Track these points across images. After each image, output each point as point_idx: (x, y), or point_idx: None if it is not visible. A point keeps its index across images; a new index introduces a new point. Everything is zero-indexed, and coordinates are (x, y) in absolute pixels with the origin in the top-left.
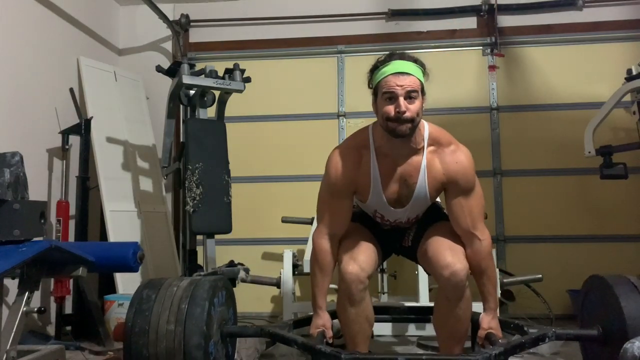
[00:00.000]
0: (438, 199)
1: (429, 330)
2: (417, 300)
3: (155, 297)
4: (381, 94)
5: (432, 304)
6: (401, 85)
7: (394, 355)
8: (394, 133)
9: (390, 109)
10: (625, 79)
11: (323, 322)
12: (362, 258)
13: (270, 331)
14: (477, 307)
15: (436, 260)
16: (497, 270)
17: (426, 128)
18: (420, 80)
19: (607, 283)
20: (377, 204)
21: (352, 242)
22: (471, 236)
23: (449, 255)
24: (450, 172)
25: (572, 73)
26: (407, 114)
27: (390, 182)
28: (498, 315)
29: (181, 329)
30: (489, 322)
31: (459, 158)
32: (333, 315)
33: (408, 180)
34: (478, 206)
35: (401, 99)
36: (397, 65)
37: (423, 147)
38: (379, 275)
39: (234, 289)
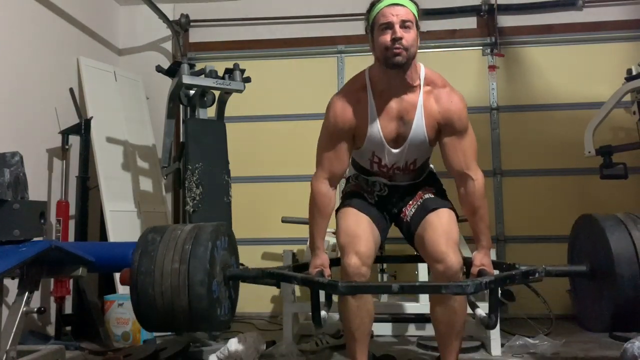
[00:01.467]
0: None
1: (429, 330)
2: (417, 301)
3: (160, 239)
4: (377, 27)
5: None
6: (396, 14)
7: (388, 283)
8: (390, 62)
9: (387, 37)
10: (625, 78)
11: (322, 261)
12: (363, 249)
13: (272, 272)
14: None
15: (431, 251)
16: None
17: (422, 69)
18: (414, 13)
19: (595, 220)
20: (374, 143)
21: (352, 231)
22: (465, 176)
23: (444, 247)
24: (445, 111)
25: (572, 73)
26: (403, 42)
27: (387, 119)
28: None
29: (185, 267)
30: (481, 259)
31: (454, 99)
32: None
33: (405, 117)
34: (471, 147)
35: (397, 27)
36: None
37: (419, 85)
38: (379, 275)
39: None
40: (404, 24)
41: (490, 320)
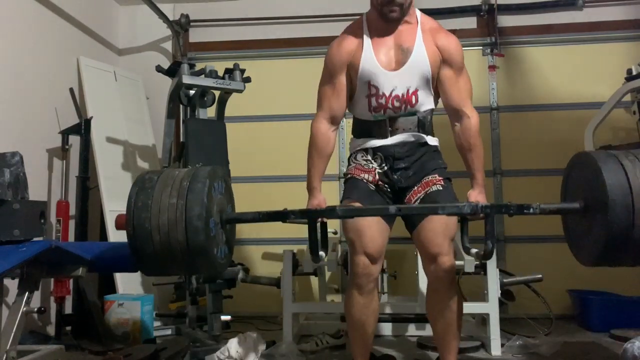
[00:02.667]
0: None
1: (429, 330)
2: (417, 301)
3: (157, 178)
4: None
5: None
6: None
7: (386, 206)
8: (385, 17)
9: None
10: (626, 78)
11: (318, 201)
12: (370, 248)
13: (267, 213)
14: (477, 307)
15: (425, 249)
16: (497, 270)
17: (418, 12)
18: None
19: (590, 157)
20: (368, 70)
21: (359, 226)
22: (460, 112)
23: (438, 246)
24: (445, 47)
25: (572, 73)
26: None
27: (383, 47)
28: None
29: (183, 202)
30: (476, 197)
31: (451, 38)
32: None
33: (403, 46)
34: (467, 86)
35: None
36: None
37: (417, 22)
38: (379, 275)
39: (233, 288)
40: None
41: (486, 247)
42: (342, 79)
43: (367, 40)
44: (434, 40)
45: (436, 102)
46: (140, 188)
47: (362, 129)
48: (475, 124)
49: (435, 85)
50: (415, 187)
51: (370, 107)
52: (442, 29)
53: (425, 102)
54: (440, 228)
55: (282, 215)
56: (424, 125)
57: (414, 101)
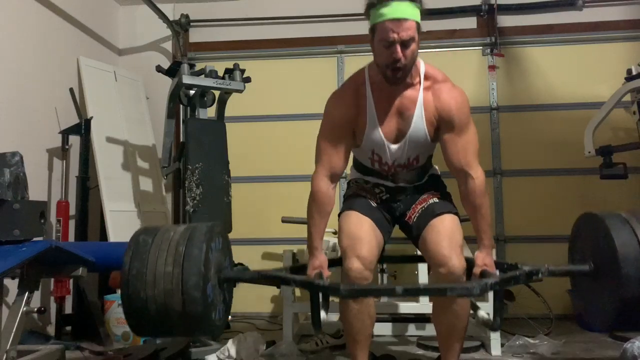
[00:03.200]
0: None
1: (429, 330)
2: (417, 301)
3: (152, 241)
4: (377, 38)
5: (431, 305)
6: (398, 33)
7: (392, 286)
8: (388, 80)
9: (387, 55)
10: (625, 78)
11: (320, 262)
12: (365, 253)
13: (268, 274)
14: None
15: (434, 254)
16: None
17: (422, 65)
18: (417, 22)
19: (598, 218)
20: (373, 140)
21: (354, 233)
22: (465, 174)
23: (447, 251)
24: (444, 107)
25: (572, 73)
26: (402, 62)
27: (387, 116)
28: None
29: (179, 270)
30: (484, 259)
31: (454, 94)
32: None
33: (405, 113)
34: (472, 143)
35: (397, 47)
36: (395, 9)
37: (419, 82)
38: (379, 275)
39: (233, 289)
40: (404, 43)
41: (494, 323)
42: (343, 140)
43: (370, 105)
44: (435, 98)
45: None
46: (134, 253)
47: (364, 169)
48: (480, 184)
49: (436, 135)
50: (413, 205)
51: (373, 165)
52: (446, 83)
53: (426, 156)
54: (447, 230)
55: (283, 280)
56: (426, 171)
57: (415, 164)
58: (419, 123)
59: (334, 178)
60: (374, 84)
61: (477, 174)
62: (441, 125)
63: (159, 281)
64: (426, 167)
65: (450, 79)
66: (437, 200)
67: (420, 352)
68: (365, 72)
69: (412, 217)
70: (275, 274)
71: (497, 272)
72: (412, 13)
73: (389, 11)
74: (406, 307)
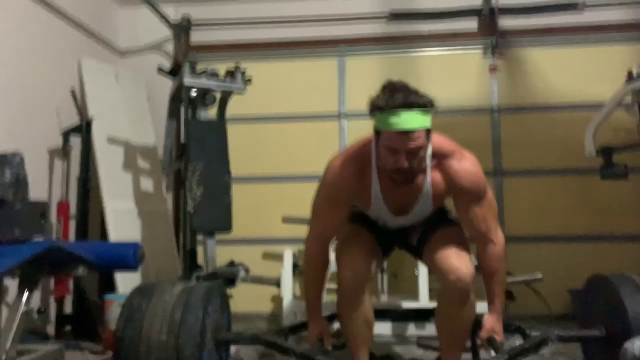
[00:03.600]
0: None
1: (429, 330)
2: (417, 300)
3: (147, 305)
4: (383, 144)
5: (431, 305)
6: (405, 144)
7: None
8: (394, 181)
9: (392, 162)
10: (626, 80)
11: (320, 328)
12: (360, 264)
13: (267, 340)
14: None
15: (442, 264)
16: None
17: (427, 146)
18: (426, 129)
19: (610, 282)
20: (379, 214)
21: (352, 246)
22: (485, 239)
23: (455, 260)
24: (457, 183)
25: (573, 74)
26: (409, 169)
27: (392, 196)
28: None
29: (174, 340)
30: (492, 324)
31: (465, 167)
32: (331, 318)
33: (411, 195)
34: (491, 210)
35: (403, 157)
36: (403, 120)
37: (426, 166)
38: (379, 274)
39: (233, 288)
40: (412, 152)
41: None
42: (341, 214)
43: (375, 184)
44: (445, 176)
45: None
46: (127, 318)
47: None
48: (500, 250)
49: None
50: (415, 228)
51: (377, 222)
52: (454, 157)
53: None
54: (453, 250)
55: (282, 350)
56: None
57: (417, 224)
58: (425, 202)
59: (327, 242)
60: (380, 167)
61: (498, 239)
62: (456, 198)
63: (153, 350)
64: None
65: (452, 80)
66: (436, 219)
67: (420, 351)
68: (372, 151)
69: (413, 238)
70: (275, 342)
71: (504, 340)
72: (421, 122)
73: (398, 121)
74: (406, 307)
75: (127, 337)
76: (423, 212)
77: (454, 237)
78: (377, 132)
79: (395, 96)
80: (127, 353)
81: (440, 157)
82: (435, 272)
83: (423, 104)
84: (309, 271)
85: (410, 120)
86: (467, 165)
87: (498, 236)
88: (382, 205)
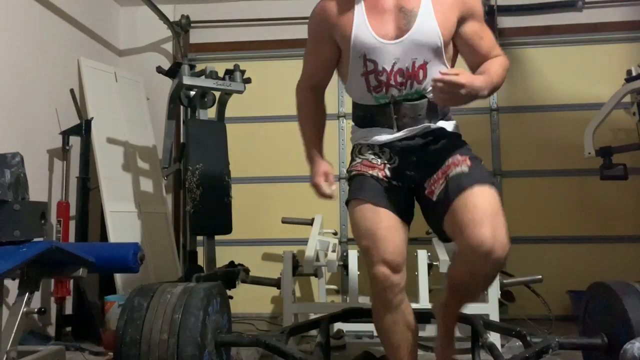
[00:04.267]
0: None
1: (429, 330)
2: (417, 302)
3: (147, 305)
4: None
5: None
6: None
7: None
8: None
9: None
10: (625, 79)
11: (325, 168)
12: (390, 256)
13: (266, 342)
14: (477, 308)
15: (472, 231)
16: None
17: None
18: None
19: (611, 290)
20: (362, 42)
21: (372, 232)
22: (491, 56)
23: (489, 229)
24: (461, 1)
25: (572, 74)
26: None
27: (379, 11)
28: None
29: (174, 340)
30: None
31: None
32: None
33: (405, 6)
34: (492, 35)
35: None
36: None
37: None
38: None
39: (233, 289)
40: None
41: None
42: (327, 49)
43: (359, 2)
44: None
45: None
46: (128, 319)
47: (363, 116)
48: (506, 60)
49: (452, 50)
50: (435, 175)
51: (369, 86)
52: None
53: (436, 65)
54: (486, 219)
55: (280, 353)
56: (436, 108)
57: (421, 77)
58: (427, 16)
59: (318, 90)
60: None
61: (503, 54)
62: (461, 20)
63: (154, 350)
64: (443, 112)
65: None
66: (467, 169)
67: (421, 352)
68: None
69: (435, 190)
70: (275, 344)
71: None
72: None
73: None
74: None
75: (128, 336)
76: (426, 35)
77: (488, 201)
78: None
79: None
80: (128, 352)
81: None
82: (459, 239)
83: None
84: (303, 119)
85: None
86: None
87: (501, 52)
88: (364, 22)
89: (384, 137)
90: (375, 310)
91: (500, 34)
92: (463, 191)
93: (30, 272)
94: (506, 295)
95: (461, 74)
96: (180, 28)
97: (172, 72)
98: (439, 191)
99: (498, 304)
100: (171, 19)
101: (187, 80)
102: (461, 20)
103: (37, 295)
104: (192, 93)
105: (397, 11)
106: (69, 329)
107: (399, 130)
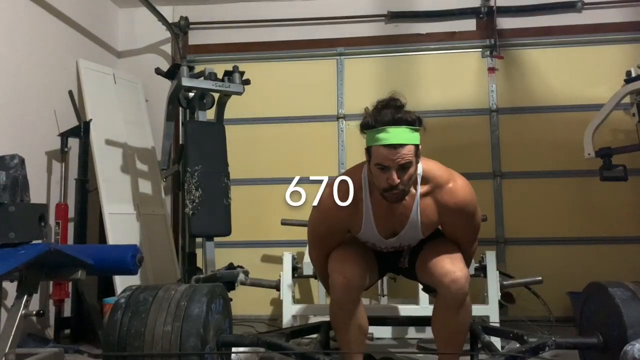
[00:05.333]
0: None
1: (429, 332)
2: (417, 304)
3: (152, 300)
4: (374, 162)
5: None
6: (394, 160)
7: None
8: (386, 199)
9: (383, 180)
10: (625, 80)
11: None
12: (353, 272)
13: (267, 341)
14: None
15: (436, 268)
16: (497, 272)
17: (419, 168)
18: (415, 145)
19: (606, 290)
20: (369, 237)
21: (344, 253)
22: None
23: (449, 263)
24: (448, 211)
25: (572, 75)
26: (400, 186)
27: (383, 220)
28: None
29: (178, 331)
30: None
31: (457, 196)
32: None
33: (400, 218)
34: (475, 232)
35: (393, 172)
36: (391, 135)
37: (416, 187)
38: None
39: (233, 291)
40: (402, 167)
41: None
42: (338, 236)
43: (367, 208)
44: (437, 204)
45: None
46: (133, 313)
47: None
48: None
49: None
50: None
51: (367, 244)
52: (447, 184)
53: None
54: (445, 255)
55: (281, 349)
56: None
57: (407, 248)
58: (413, 226)
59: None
60: (373, 187)
61: (470, 252)
62: (443, 219)
63: (157, 341)
64: None
65: (450, 81)
66: (424, 237)
67: (421, 355)
68: (364, 175)
69: (404, 260)
70: (276, 342)
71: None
72: (409, 138)
73: (386, 137)
74: (405, 309)
75: (133, 327)
76: (412, 234)
77: (444, 244)
78: (369, 151)
79: (384, 112)
80: (133, 344)
81: (431, 185)
82: (430, 279)
83: (411, 120)
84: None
85: (399, 135)
86: (460, 194)
87: (470, 252)
88: (373, 228)
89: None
90: (333, 312)
91: (500, 35)
92: (423, 246)
93: (29, 274)
94: (506, 297)
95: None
96: (179, 29)
97: (171, 74)
98: (407, 257)
99: (498, 305)
100: (170, 21)
101: (186, 81)
102: (444, 219)
103: (36, 297)
104: (191, 94)
105: (394, 218)
106: (67, 331)
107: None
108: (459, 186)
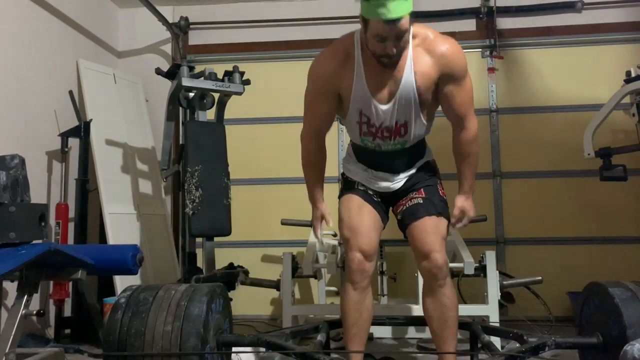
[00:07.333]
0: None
1: (429, 332)
2: (417, 304)
3: (152, 299)
4: (371, 32)
5: None
6: (391, 31)
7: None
8: (380, 64)
9: (379, 49)
10: (625, 80)
11: (321, 212)
12: (365, 246)
13: (268, 340)
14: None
15: (418, 246)
16: (497, 272)
17: (410, 30)
18: (409, 15)
19: (606, 290)
20: (361, 99)
21: (354, 225)
22: (461, 125)
23: (429, 246)
24: (440, 58)
25: (571, 75)
26: (395, 55)
27: (375, 75)
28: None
29: (178, 331)
30: (462, 203)
31: (447, 44)
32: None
33: (396, 74)
34: (469, 95)
35: (390, 43)
36: (389, 9)
37: (408, 44)
38: (379, 277)
39: (233, 291)
40: (397, 37)
41: None
42: (329, 102)
43: (359, 65)
44: (429, 54)
45: (430, 126)
46: (134, 312)
47: (354, 147)
48: (472, 134)
49: (433, 106)
50: (401, 201)
51: (361, 132)
52: (437, 38)
53: (417, 131)
54: (430, 227)
55: (282, 349)
56: (416, 148)
57: (402, 132)
58: (408, 82)
59: (320, 135)
60: (364, 49)
61: (471, 125)
62: (441, 79)
63: (157, 341)
64: (418, 148)
65: None
66: (421, 201)
67: (421, 354)
68: (356, 37)
69: (399, 211)
70: (276, 342)
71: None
72: (405, 8)
73: (385, 11)
74: (406, 309)
75: (133, 327)
76: (407, 99)
77: (430, 226)
78: (365, 21)
79: None
80: (133, 343)
81: (422, 38)
82: (414, 253)
83: None
84: (308, 167)
85: (396, 8)
86: (450, 44)
87: (471, 122)
88: (364, 86)
89: (369, 181)
90: (344, 289)
91: (500, 35)
92: (414, 221)
93: (29, 274)
94: (506, 297)
95: (466, 212)
96: (179, 29)
97: (171, 74)
98: (401, 215)
99: (498, 305)
100: (170, 21)
101: (186, 81)
102: (442, 79)
103: (36, 297)
104: (191, 94)
105: (388, 76)
106: (67, 331)
107: (376, 170)
108: (449, 39)
